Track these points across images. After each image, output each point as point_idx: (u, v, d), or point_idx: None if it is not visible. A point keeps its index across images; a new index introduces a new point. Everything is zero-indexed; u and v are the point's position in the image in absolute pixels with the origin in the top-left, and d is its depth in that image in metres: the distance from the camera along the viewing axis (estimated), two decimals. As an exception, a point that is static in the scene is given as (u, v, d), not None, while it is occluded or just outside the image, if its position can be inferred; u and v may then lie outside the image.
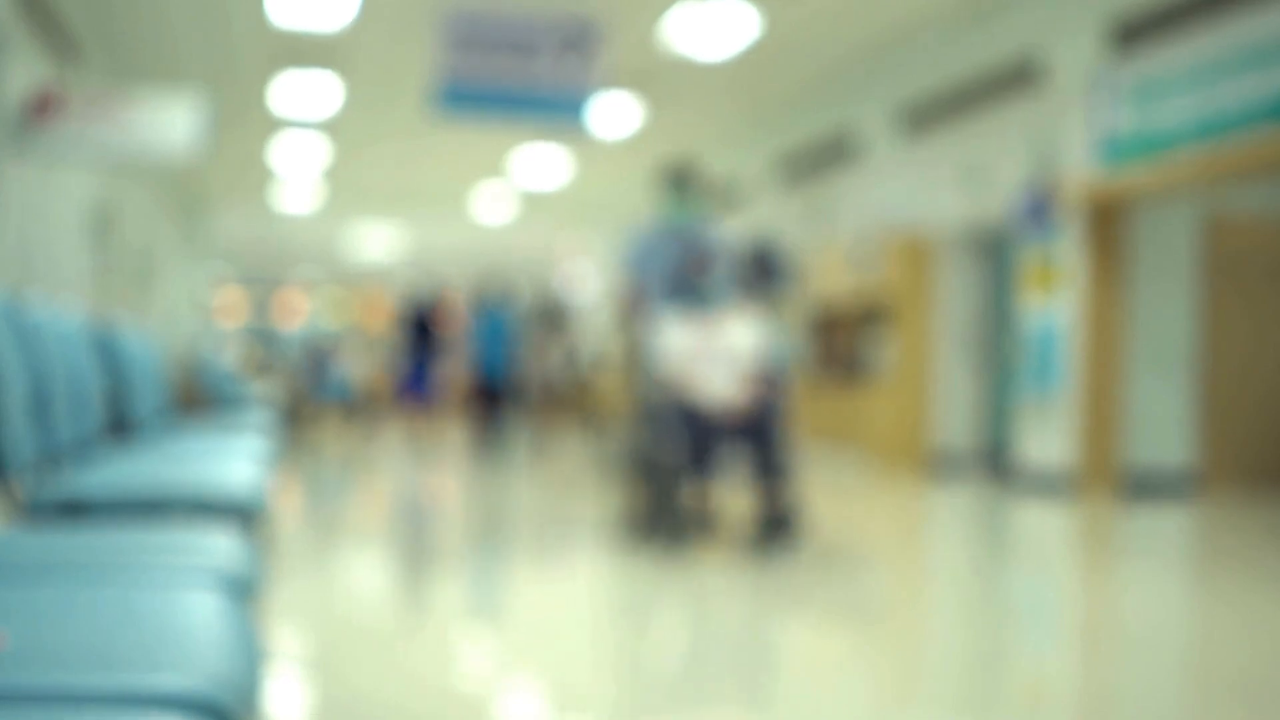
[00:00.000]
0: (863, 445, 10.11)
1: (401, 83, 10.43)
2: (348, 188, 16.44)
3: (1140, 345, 8.04)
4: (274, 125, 12.52)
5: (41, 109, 7.37)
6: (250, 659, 1.17)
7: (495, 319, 12.23)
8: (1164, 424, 8.10)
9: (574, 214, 17.98)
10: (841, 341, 11.02)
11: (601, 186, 15.40)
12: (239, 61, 10.13)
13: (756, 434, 5.42)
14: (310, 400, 15.01)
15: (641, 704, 3.07)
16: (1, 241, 7.06)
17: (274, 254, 21.50)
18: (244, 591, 1.53)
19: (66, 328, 2.97)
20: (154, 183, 13.52)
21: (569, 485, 8.72)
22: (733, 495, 6.32)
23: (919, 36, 9.37)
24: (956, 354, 9.67)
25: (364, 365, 19.18)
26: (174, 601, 1.32)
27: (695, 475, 5.46)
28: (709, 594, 4.53)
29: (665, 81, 10.40)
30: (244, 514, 2.37)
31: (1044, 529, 6.73)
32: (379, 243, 21.47)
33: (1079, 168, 7.88)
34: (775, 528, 5.30)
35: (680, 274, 5.85)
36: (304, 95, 10.78)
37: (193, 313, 17.38)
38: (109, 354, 3.67)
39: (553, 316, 18.83)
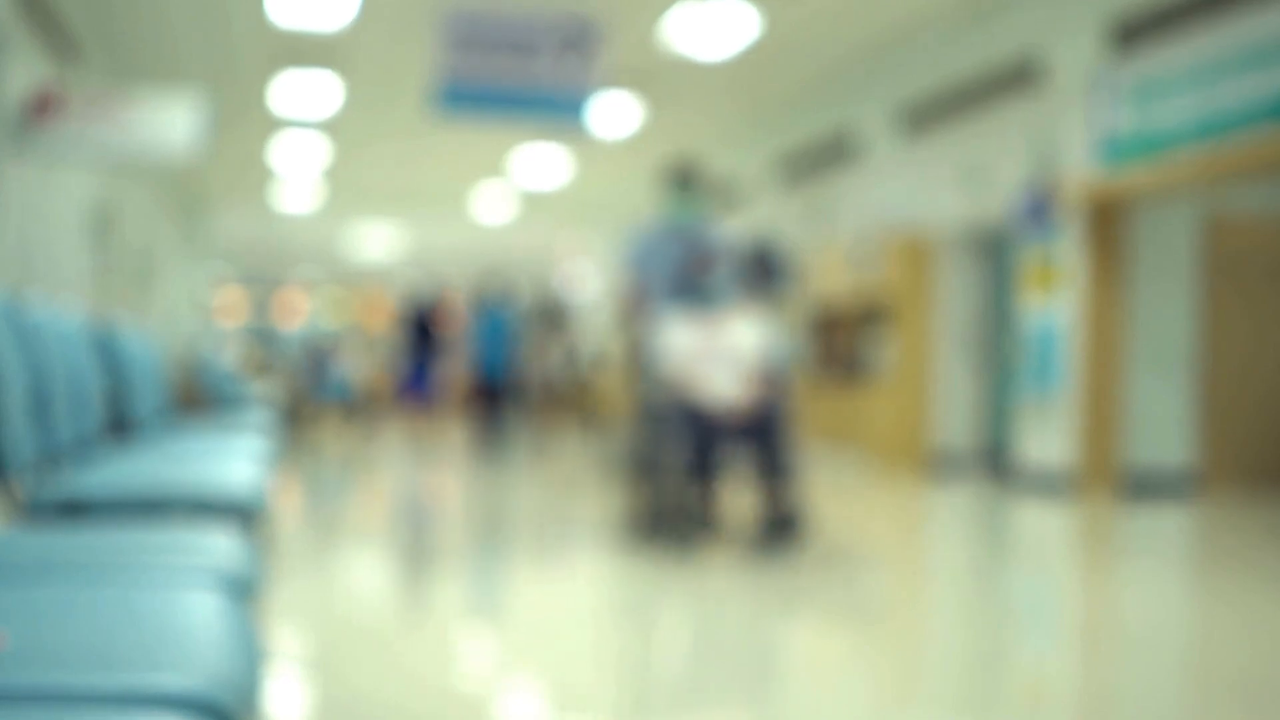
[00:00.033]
0: (863, 445, 10.10)
1: (401, 83, 10.43)
2: (348, 188, 16.44)
3: (1140, 345, 8.04)
4: (274, 125, 12.52)
5: (41, 109, 7.37)
6: (250, 659, 1.17)
7: (495, 319, 12.22)
8: (1164, 424, 8.10)
9: (574, 214, 17.98)
10: (841, 341, 11.01)
11: (601, 186, 15.40)
12: (239, 61, 10.13)
13: (760, 434, 5.40)
14: (310, 400, 15.00)
15: (642, 704, 3.07)
16: (1, 241, 7.05)
17: (274, 254, 21.49)
18: (244, 591, 1.53)
19: (66, 328, 2.97)
20: (154, 183, 13.52)
21: (569, 485, 8.72)
22: (736, 496, 6.31)
23: (919, 36, 9.37)
24: (956, 354, 9.67)
25: (364, 365, 19.15)
26: (174, 601, 1.31)
27: (698, 475, 5.45)
28: (710, 594, 4.52)
29: (665, 81, 10.40)
30: (244, 514, 2.37)
31: (1044, 529, 6.73)
32: (379, 243, 21.46)
33: (1079, 168, 7.88)
34: (779, 528, 5.28)
35: (683, 273, 5.83)
36: (304, 95, 10.78)
37: (193, 313, 17.38)
38: (109, 354, 3.66)
39: (553, 316, 18.83)
